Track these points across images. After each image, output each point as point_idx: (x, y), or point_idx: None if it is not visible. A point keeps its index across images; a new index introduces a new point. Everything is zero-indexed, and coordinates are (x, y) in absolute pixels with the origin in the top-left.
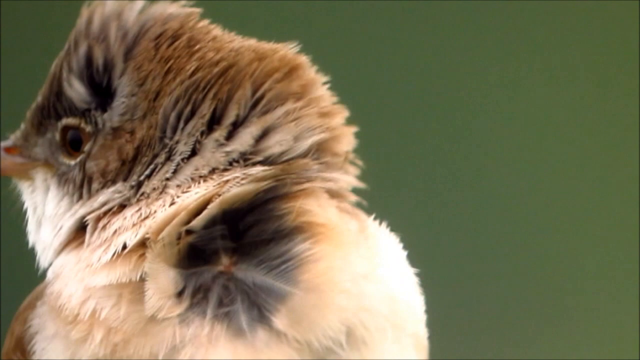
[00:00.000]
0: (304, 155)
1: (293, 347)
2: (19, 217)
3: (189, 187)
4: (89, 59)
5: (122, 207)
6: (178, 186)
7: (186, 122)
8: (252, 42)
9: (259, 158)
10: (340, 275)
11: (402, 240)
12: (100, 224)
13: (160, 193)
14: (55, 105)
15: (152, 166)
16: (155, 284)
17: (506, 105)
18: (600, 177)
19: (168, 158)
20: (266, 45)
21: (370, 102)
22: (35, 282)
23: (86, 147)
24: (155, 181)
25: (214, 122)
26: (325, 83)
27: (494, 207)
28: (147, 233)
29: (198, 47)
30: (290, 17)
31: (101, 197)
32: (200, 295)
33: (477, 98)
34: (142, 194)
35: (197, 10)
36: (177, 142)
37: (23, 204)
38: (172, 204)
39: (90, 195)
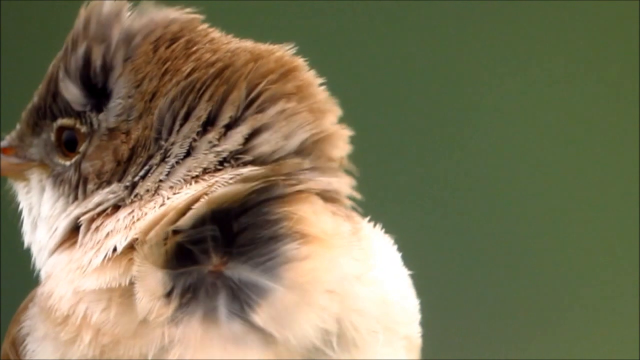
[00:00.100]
0: (296, 154)
1: (269, 343)
2: (18, 218)
3: (181, 188)
4: (87, 60)
5: (116, 208)
6: (170, 187)
7: (182, 124)
8: (249, 43)
9: (249, 157)
10: (326, 275)
11: (398, 241)
12: (94, 225)
13: (153, 194)
14: (51, 105)
15: (146, 167)
16: (143, 287)
17: (503, 108)
18: (600, 178)
19: (163, 159)
20: (262, 47)
21: (365, 104)
22: (35, 283)
23: (81, 148)
24: (149, 182)
25: (209, 124)
26: (321, 84)
27: (491, 207)
28: (137, 236)
29: (195, 48)
30: (288, 18)
31: (96, 198)
32: (190, 294)
33: (472, 97)
34: (136, 195)
35: (200, 16)
36: (173, 144)
37: (19, 204)
38: (162, 205)
39: (85, 196)
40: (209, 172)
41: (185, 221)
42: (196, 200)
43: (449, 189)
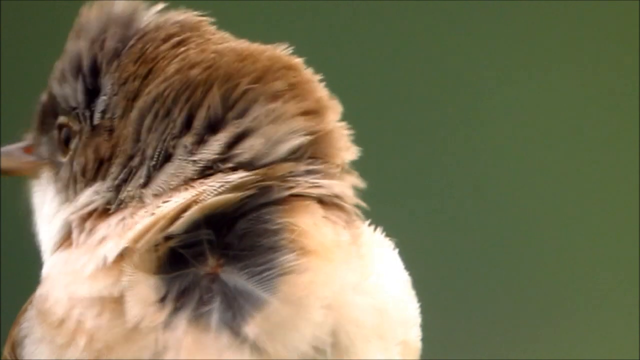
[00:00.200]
0: (289, 158)
1: (259, 356)
2: (20, 217)
3: (170, 195)
4: (79, 59)
5: (106, 210)
6: (156, 195)
7: (158, 125)
8: (242, 44)
9: (230, 164)
10: (324, 290)
11: (399, 244)
12: (87, 226)
13: (140, 201)
14: (54, 103)
15: (126, 169)
16: (135, 296)
17: (505, 113)
18: (600, 178)
19: (141, 162)
20: (254, 47)
21: (365, 105)
22: (36, 283)
23: (73, 145)
24: (130, 187)
25: (185, 127)
26: (320, 82)
27: (492, 209)
28: (128, 245)
29: (183, 49)
30: (290, 19)
31: (81, 198)
32: (184, 299)
33: (474, 101)
34: (123, 199)
35: (208, 19)
36: (148, 145)
37: (30, 203)
38: (152, 214)
39: (75, 194)
40: (196, 179)
41: (178, 227)
42: (186, 207)
43: (450, 191)
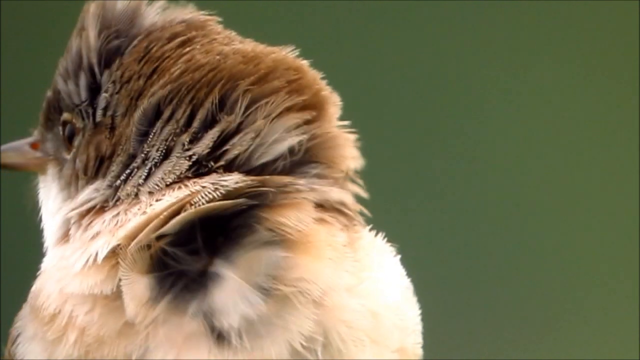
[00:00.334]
0: (293, 160)
1: (244, 353)
2: (21, 215)
3: (163, 194)
4: (81, 56)
5: (103, 207)
6: (150, 193)
7: (162, 127)
8: (249, 45)
9: (223, 162)
10: (311, 287)
11: (400, 249)
12: (84, 222)
13: (135, 198)
14: (59, 100)
15: (128, 169)
16: (130, 293)
17: (506, 115)
18: (601, 179)
19: (143, 162)
20: (260, 49)
21: (369, 107)
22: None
23: (76, 142)
24: (129, 186)
25: (187, 127)
26: (325, 85)
27: (494, 214)
28: (119, 243)
29: (188, 49)
30: (289, 19)
31: (81, 195)
32: (174, 295)
33: (476, 103)
34: (119, 197)
35: (215, 17)
36: (152, 146)
37: (36, 199)
38: (144, 212)
39: (77, 191)
40: (190, 178)
41: (171, 227)
42: (179, 207)
43: (452, 196)
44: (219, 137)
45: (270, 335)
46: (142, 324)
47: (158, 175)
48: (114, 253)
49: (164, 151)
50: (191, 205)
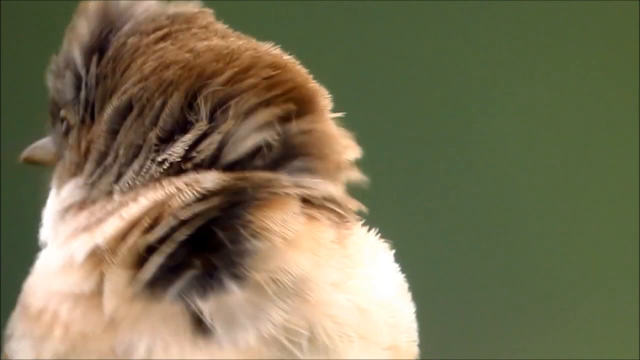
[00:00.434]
0: (264, 154)
1: (218, 343)
2: (20, 216)
3: (137, 194)
4: (69, 54)
5: (82, 205)
6: (123, 192)
7: (132, 126)
8: (227, 41)
9: (195, 162)
10: (290, 278)
11: (395, 245)
12: (67, 219)
13: (108, 196)
14: (59, 97)
15: (101, 167)
16: (111, 288)
17: (506, 115)
18: (601, 179)
19: (114, 160)
20: (236, 45)
21: (365, 104)
22: None
23: (70, 140)
24: (102, 185)
25: (153, 127)
26: (312, 80)
27: (491, 210)
28: (97, 245)
29: (162, 45)
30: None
31: (62, 192)
32: (160, 288)
33: (475, 103)
34: (95, 196)
35: (208, 10)
36: (120, 145)
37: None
38: (120, 215)
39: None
40: (165, 176)
41: (154, 235)
42: (159, 213)
43: (449, 192)
44: (194, 142)
45: (241, 323)
46: (124, 318)
47: (129, 174)
48: (93, 252)
49: (132, 150)
50: (170, 207)
